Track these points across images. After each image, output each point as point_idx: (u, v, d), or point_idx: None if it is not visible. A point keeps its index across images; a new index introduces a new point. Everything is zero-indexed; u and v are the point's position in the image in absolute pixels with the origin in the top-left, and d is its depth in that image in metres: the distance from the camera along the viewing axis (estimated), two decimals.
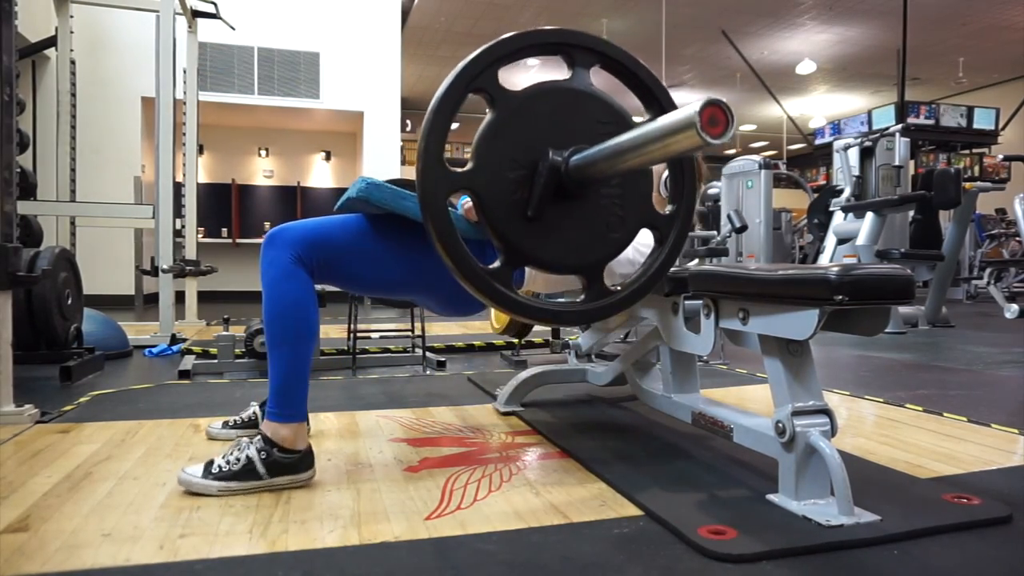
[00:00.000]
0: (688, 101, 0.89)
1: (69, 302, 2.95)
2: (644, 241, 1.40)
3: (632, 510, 1.24)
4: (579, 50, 1.21)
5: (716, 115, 0.83)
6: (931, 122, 9.61)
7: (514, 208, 1.16)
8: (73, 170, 4.64)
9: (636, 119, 1.25)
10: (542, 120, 1.17)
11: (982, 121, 9.69)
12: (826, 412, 1.25)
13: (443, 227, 1.12)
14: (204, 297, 5.61)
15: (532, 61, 14.68)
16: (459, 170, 1.14)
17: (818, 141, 11.59)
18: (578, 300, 1.27)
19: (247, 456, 1.33)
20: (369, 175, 1.55)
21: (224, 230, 8.58)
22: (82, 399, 2.23)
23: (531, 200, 1.14)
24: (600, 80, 1.25)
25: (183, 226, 5.03)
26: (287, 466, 1.35)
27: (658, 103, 1.25)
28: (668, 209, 1.35)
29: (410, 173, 1.36)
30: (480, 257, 1.32)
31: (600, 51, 1.22)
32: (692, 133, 0.83)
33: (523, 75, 15.13)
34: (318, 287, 1.47)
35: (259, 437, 1.37)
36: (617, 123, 1.22)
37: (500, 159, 1.14)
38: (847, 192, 5.27)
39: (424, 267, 1.13)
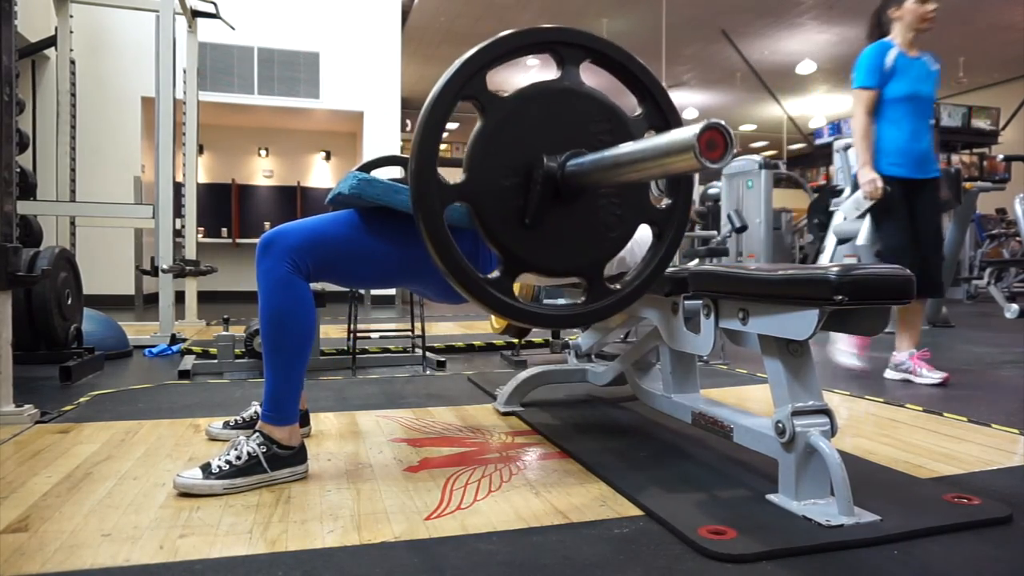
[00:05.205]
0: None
1: (69, 302, 2.94)
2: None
3: (632, 510, 1.25)
4: (567, 47, 1.18)
5: (715, 139, 0.82)
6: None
7: (511, 216, 1.14)
8: (73, 170, 4.63)
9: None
10: (534, 124, 1.14)
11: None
12: (826, 412, 1.25)
13: (441, 242, 1.10)
14: (204, 297, 5.60)
15: (532, 60, 14.67)
16: (454, 182, 1.12)
17: (818, 141, 11.58)
18: (579, 301, 1.26)
19: (247, 452, 1.36)
20: (357, 170, 1.53)
21: (224, 230, 8.57)
22: (82, 399, 2.23)
23: (528, 208, 1.13)
24: (597, 79, 1.22)
25: (183, 226, 5.03)
26: (286, 459, 1.40)
27: (652, 98, 1.23)
28: (665, 203, 1.34)
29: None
30: (475, 250, 1.32)
31: (589, 46, 1.19)
32: (690, 156, 0.83)
33: (522, 75, 15.13)
34: (317, 286, 1.47)
35: (257, 434, 1.40)
36: (610, 120, 1.20)
37: (494, 167, 1.12)
38: (847, 192, 5.27)
39: (419, 256, 1.13)
